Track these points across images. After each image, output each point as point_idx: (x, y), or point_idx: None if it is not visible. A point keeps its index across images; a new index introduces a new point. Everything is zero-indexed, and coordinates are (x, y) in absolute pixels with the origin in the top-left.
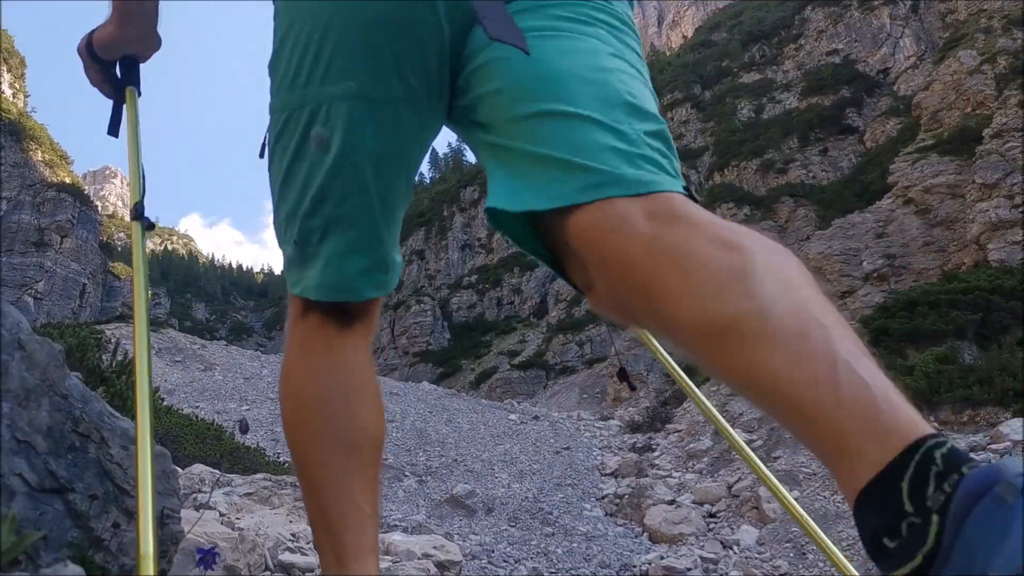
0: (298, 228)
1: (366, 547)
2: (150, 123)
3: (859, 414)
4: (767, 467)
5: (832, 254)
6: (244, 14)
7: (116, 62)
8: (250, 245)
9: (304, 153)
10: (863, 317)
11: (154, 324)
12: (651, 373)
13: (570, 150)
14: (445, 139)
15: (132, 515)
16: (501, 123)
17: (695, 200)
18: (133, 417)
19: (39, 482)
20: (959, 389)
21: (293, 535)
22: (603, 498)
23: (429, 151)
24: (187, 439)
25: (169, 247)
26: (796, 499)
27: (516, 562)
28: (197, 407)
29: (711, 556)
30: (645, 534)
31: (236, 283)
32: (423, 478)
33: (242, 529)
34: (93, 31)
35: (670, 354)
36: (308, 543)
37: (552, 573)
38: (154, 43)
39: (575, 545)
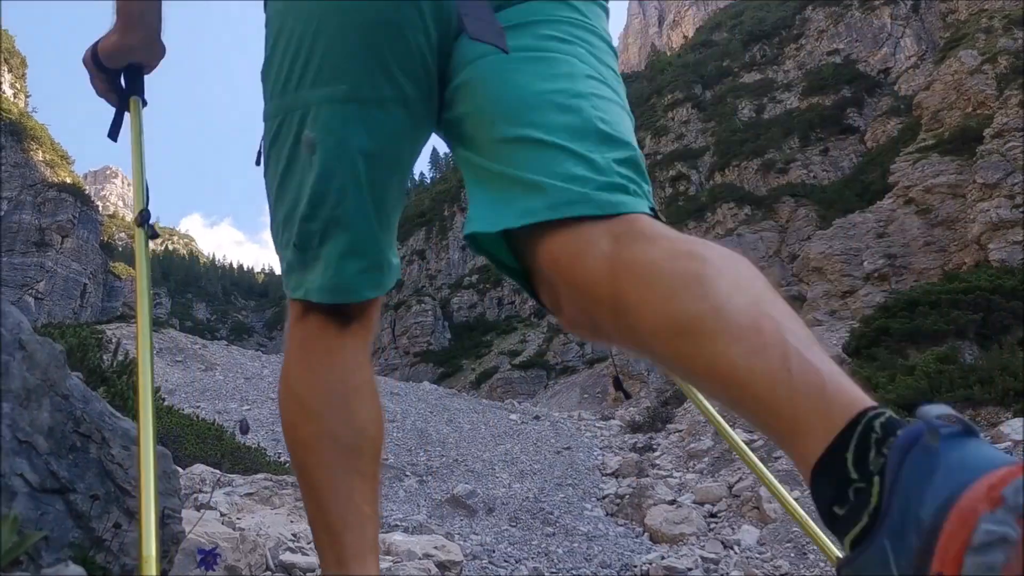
0: (297, 231)
1: (366, 547)
2: (151, 122)
3: (810, 395)
4: (767, 468)
5: (833, 254)
6: (245, 14)
7: (121, 72)
8: (251, 245)
9: (299, 157)
10: (864, 317)
11: (155, 324)
12: (651, 373)
13: (543, 174)
14: None
15: (133, 515)
16: (481, 143)
17: (659, 219)
18: (134, 417)
19: (40, 482)
20: (960, 389)
21: (294, 535)
22: (604, 498)
23: (430, 152)
24: (188, 439)
25: (170, 247)
26: (796, 499)
27: (517, 562)
28: (198, 407)
29: (712, 556)
30: (646, 534)
31: (237, 283)
32: (424, 478)
33: (243, 529)
34: (98, 41)
35: None
36: (309, 543)
37: (553, 573)
38: (158, 51)
39: (576, 545)
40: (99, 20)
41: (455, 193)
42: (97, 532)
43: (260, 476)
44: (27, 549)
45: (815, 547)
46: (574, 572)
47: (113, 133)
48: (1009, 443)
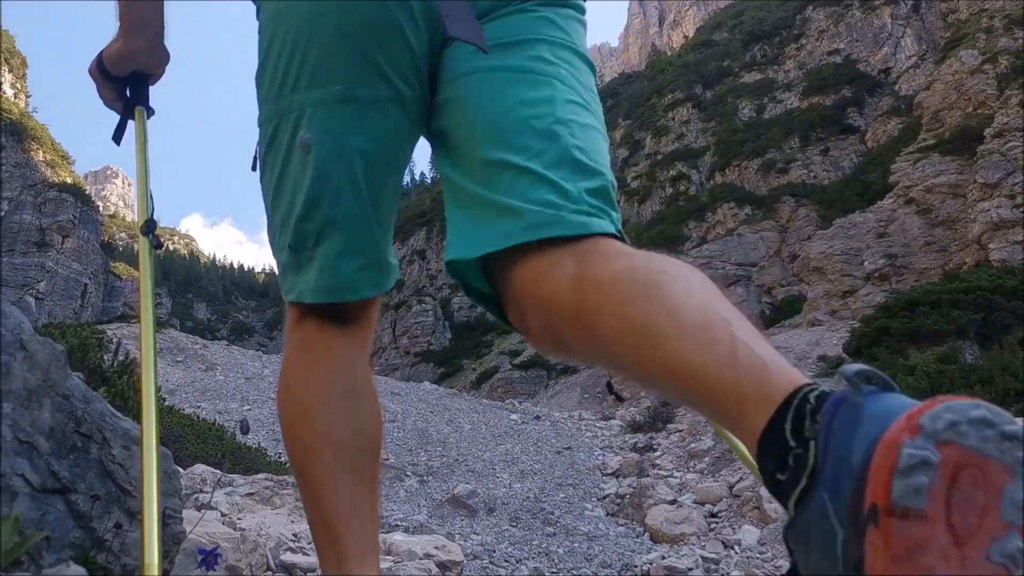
0: (292, 233)
1: (366, 547)
2: (151, 121)
3: (753, 379)
4: None
5: (833, 254)
6: (245, 14)
7: (127, 81)
8: (251, 245)
9: (295, 159)
10: (864, 317)
11: (156, 325)
12: None
13: (519, 199)
14: None
15: (134, 515)
16: (463, 160)
17: (624, 242)
18: (135, 417)
19: (41, 483)
20: (960, 389)
21: (295, 535)
22: (604, 498)
23: (431, 152)
24: (188, 439)
25: (170, 247)
26: None
27: (517, 562)
28: (198, 407)
29: (712, 556)
30: (646, 534)
31: (237, 283)
32: (424, 478)
33: (244, 529)
34: (102, 50)
35: None
36: (310, 543)
37: (553, 573)
38: (162, 56)
39: (576, 545)
40: (99, 20)
41: None
42: (98, 532)
43: (261, 476)
44: (28, 549)
45: None
46: (575, 572)
47: (117, 136)
48: None
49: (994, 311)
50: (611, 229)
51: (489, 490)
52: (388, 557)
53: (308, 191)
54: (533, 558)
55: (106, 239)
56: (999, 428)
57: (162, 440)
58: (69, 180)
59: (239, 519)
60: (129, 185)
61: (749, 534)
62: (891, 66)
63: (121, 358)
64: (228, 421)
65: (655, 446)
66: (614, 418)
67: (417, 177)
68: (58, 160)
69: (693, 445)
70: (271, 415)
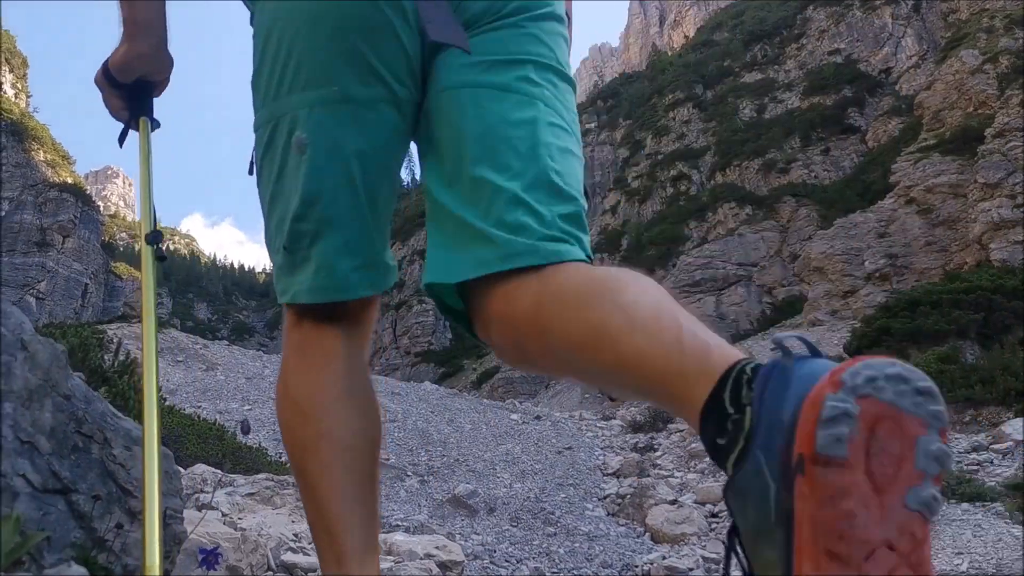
0: (288, 233)
1: (366, 547)
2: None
3: (697, 358)
4: None
5: (834, 254)
6: (247, 13)
7: (132, 90)
8: (252, 245)
9: (291, 160)
10: (865, 317)
11: (157, 325)
12: None
13: (494, 224)
14: None
15: (135, 516)
16: (445, 174)
17: (591, 263)
18: (135, 417)
19: (42, 483)
20: (961, 389)
21: (295, 535)
22: (605, 498)
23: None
24: (189, 439)
25: (171, 247)
26: None
27: (518, 562)
28: (199, 407)
29: (713, 556)
30: (647, 534)
31: (238, 283)
32: (425, 478)
33: (244, 529)
34: (107, 59)
35: None
36: (310, 543)
37: (554, 573)
38: (166, 60)
39: (577, 545)
40: (100, 20)
41: None
42: (99, 532)
43: (261, 476)
44: (29, 549)
45: None
46: (575, 572)
47: (120, 139)
48: (1011, 443)
49: (995, 311)
50: (580, 256)
51: (490, 490)
52: (389, 557)
53: (304, 191)
54: (534, 558)
55: (107, 239)
56: (913, 384)
57: (163, 440)
58: (70, 180)
59: (240, 519)
60: (130, 185)
61: None
62: (892, 66)
63: (122, 358)
64: (229, 421)
65: (656, 446)
66: (615, 418)
67: (418, 177)
68: (59, 160)
69: (694, 445)
70: (272, 415)
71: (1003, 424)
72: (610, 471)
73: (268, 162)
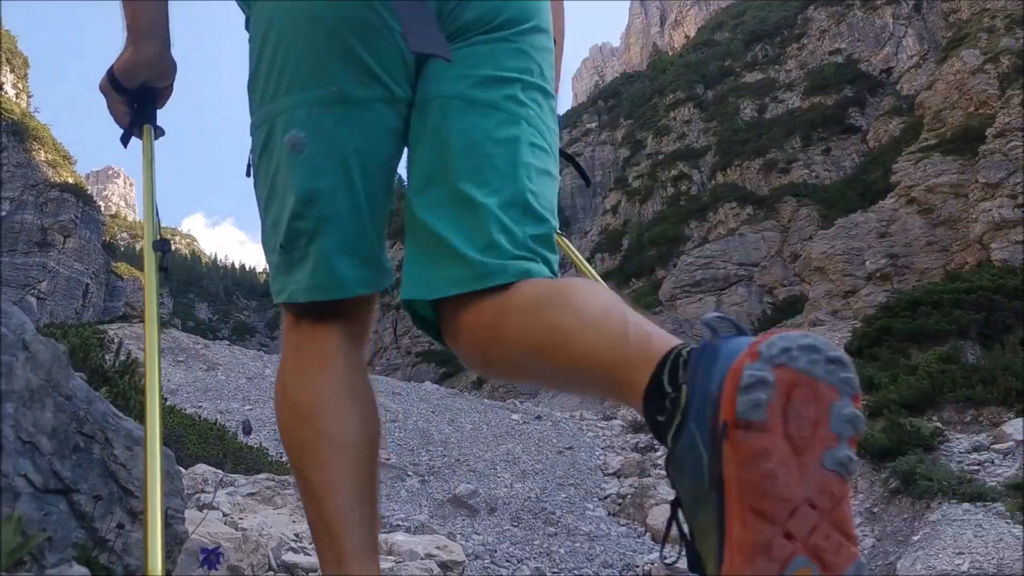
0: (285, 232)
1: (366, 547)
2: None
3: (640, 348)
4: None
5: (835, 254)
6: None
7: (137, 96)
8: (253, 245)
9: (288, 159)
10: (866, 317)
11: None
12: None
13: (468, 241)
14: None
15: (136, 516)
16: (425, 184)
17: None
18: (136, 417)
19: (44, 483)
20: (962, 389)
21: (296, 535)
22: (606, 498)
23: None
24: (190, 439)
25: (172, 247)
26: None
27: (519, 562)
28: (200, 407)
29: None
30: (648, 534)
31: (239, 283)
32: (426, 478)
33: (245, 529)
34: (112, 65)
35: None
36: (311, 543)
37: (555, 573)
38: (170, 65)
39: (578, 545)
40: (101, 21)
41: None
42: (100, 532)
43: (262, 476)
44: (31, 549)
45: None
46: (576, 572)
47: (124, 140)
48: (1012, 443)
49: (996, 311)
50: (546, 274)
51: (490, 490)
52: (390, 557)
53: (303, 189)
54: (534, 558)
55: (108, 239)
56: (825, 353)
57: (164, 440)
58: (71, 180)
59: (241, 519)
60: (131, 185)
61: None
62: (893, 66)
63: (123, 358)
64: (230, 421)
65: (656, 446)
66: (615, 418)
67: None
68: (60, 160)
69: None
70: (272, 415)
71: (1004, 424)
72: (611, 471)
73: (265, 161)
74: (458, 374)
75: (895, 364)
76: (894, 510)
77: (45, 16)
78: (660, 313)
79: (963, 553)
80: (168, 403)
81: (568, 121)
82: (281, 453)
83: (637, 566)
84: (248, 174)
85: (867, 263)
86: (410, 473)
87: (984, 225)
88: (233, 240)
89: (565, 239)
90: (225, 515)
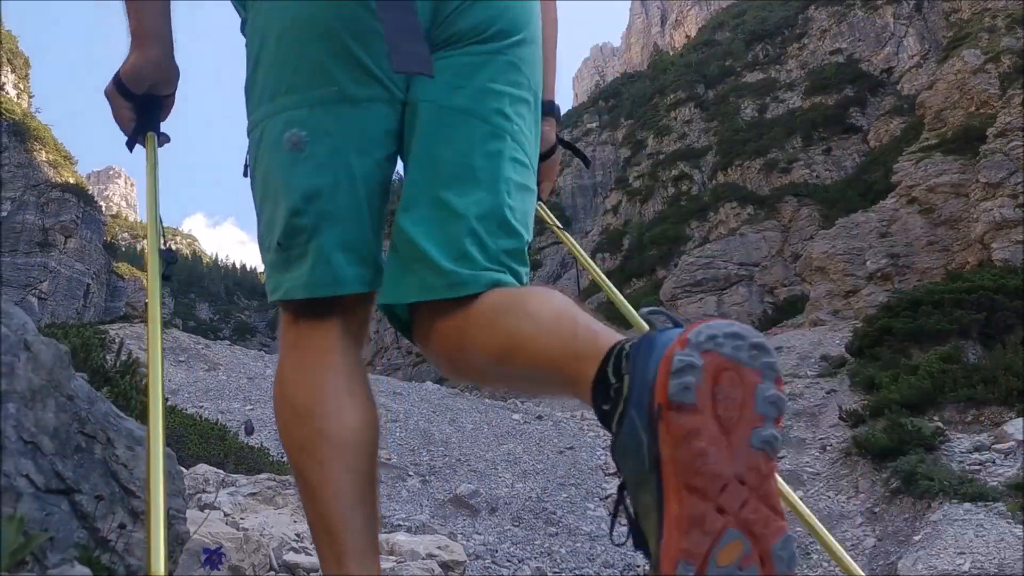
0: (284, 228)
1: (366, 547)
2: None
3: (587, 344)
4: None
5: (836, 253)
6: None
7: (141, 102)
8: (254, 245)
9: (288, 157)
10: (867, 316)
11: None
12: None
13: (443, 249)
14: None
15: (138, 516)
16: (407, 189)
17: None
18: (138, 417)
19: (45, 483)
20: (963, 388)
21: (298, 535)
22: (607, 498)
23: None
24: (191, 439)
25: (173, 247)
26: (800, 499)
27: (520, 562)
28: (201, 407)
29: None
30: None
31: (240, 283)
32: (427, 478)
33: (247, 529)
34: (119, 70)
35: None
36: (312, 543)
37: (556, 573)
38: (173, 69)
39: (579, 545)
40: (102, 21)
41: None
42: (102, 532)
43: (264, 476)
44: (32, 550)
45: (818, 547)
46: (577, 572)
47: (130, 145)
48: (1013, 442)
49: (997, 311)
50: (512, 283)
51: (491, 490)
52: (391, 557)
53: (305, 186)
54: (535, 558)
55: (109, 239)
56: (748, 340)
57: (166, 440)
58: (72, 180)
59: (242, 519)
60: (132, 185)
61: None
62: (893, 66)
63: (124, 358)
64: (231, 421)
65: None
66: None
67: None
68: (61, 160)
69: None
70: (274, 415)
71: (1005, 424)
72: (612, 471)
73: (263, 159)
74: None
75: (896, 364)
76: (895, 510)
77: (46, 16)
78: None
79: (964, 553)
80: (169, 403)
81: (569, 121)
82: (282, 453)
83: (638, 566)
84: (245, 174)
85: (868, 263)
86: (411, 473)
87: (985, 225)
88: (234, 240)
89: (569, 236)
90: (226, 515)
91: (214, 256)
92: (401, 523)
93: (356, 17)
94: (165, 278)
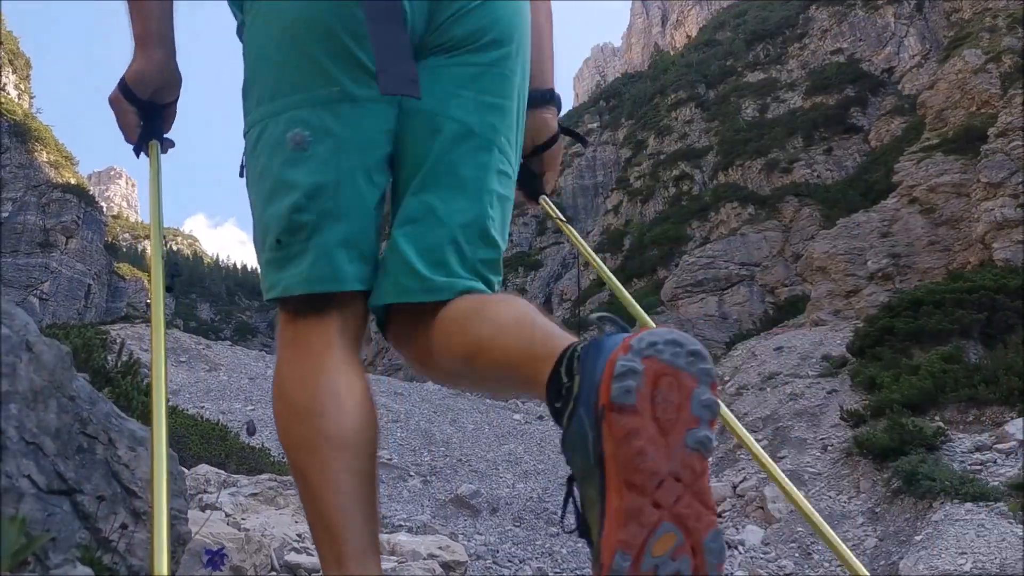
0: (284, 225)
1: (366, 547)
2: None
3: (545, 346)
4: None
5: (837, 253)
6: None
7: (145, 108)
8: None
9: (288, 156)
10: (868, 316)
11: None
12: None
13: (421, 258)
14: None
15: (140, 516)
16: (401, 182)
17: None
18: (139, 418)
19: (47, 483)
20: (964, 388)
21: (299, 535)
22: None
23: None
24: (192, 440)
25: (174, 248)
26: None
27: (521, 562)
28: (202, 407)
29: None
30: None
31: (241, 283)
32: (428, 478)
33: (248, 530)
34: (124, 75)
35: None
36: (313, 543)
37: (557, 573)
38: (177, 75)
39: (580, 545)
40: (103, 22)
41: None
42: (104, 533)
43: (265, 476)
44: (34, 550)
45: (820, 547)
46: (578, 572)
47: (137, 151)
48: (1014, 442)
49: (998, 311)
50: (486, 292)
51: (492, 490)
52: (392, 557)
53: (308, 183)
54: (536, 558)
55: (110, 240)
56: (686, 347)
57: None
58: (73, 181)
59: (243, 519)
60: (133, 186)
61: (753, 534)
62: (894, 65)
63: (125, 359)
64: (232, 421)
65: None
66: None
67: None
68: (62, 161)
69: None
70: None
71: (1006, 424)
72: None
73: (262, 157)
74: None
75: (897, 364)
76: (896, 510)
77: (47, 17)
78: (662, 313)
79: (965, 553)
80: (170, 404)
81: (569, 121)
82: (283, 453)
83: None
84: (241, 175)
85: (869, 263)
86: (412, 473)
87: (986, 225)
88: (235, 240)
89: (573, 230)
90: (228, 515)
91: (215, 257)
92: (402, 523)
93: (355, 17)
94: (168, 289)
